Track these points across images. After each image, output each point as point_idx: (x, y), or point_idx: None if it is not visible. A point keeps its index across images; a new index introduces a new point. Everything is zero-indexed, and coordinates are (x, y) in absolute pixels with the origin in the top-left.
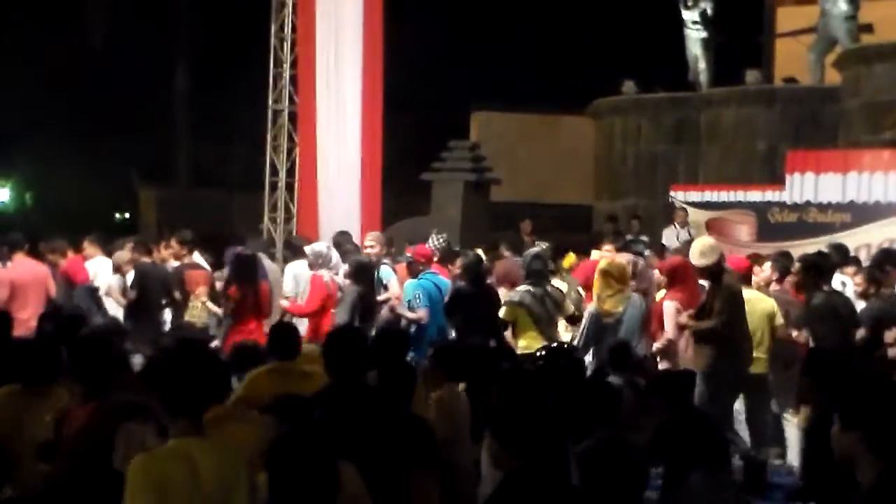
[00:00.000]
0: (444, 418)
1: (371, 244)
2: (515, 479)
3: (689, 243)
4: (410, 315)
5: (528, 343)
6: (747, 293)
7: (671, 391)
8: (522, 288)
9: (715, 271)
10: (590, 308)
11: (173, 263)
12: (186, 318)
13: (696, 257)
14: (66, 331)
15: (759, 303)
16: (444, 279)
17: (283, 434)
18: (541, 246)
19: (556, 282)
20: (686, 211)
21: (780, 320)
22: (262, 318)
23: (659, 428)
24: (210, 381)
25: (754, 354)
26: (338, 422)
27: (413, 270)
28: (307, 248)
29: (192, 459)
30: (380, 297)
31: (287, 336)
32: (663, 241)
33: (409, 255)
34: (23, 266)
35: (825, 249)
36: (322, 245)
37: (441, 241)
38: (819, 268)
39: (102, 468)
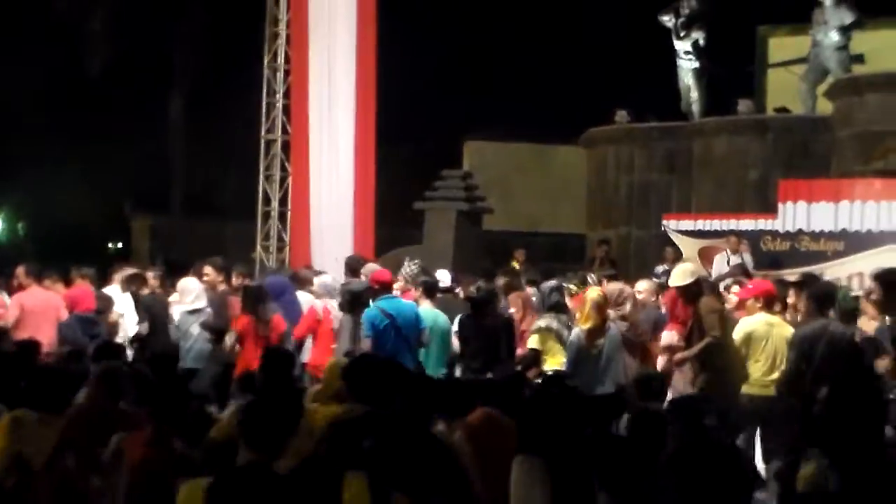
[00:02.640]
0: None
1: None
2: None
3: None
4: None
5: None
6: (767, 318)
7: (685, 415)
8: (547, 315)
9: (693, 292)
10: (573, 337)
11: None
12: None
13: (675, 280)
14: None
15: (779, 328)
16: (405, 303)
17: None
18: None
19: None
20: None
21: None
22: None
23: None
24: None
25: (772, 377)
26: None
27: (368, 296)
28: (316, 280)
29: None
30: None
31: (278, 361)
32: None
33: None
34: (36, 294)
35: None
36: (329, 277)
37: (413, 267)
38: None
39: None
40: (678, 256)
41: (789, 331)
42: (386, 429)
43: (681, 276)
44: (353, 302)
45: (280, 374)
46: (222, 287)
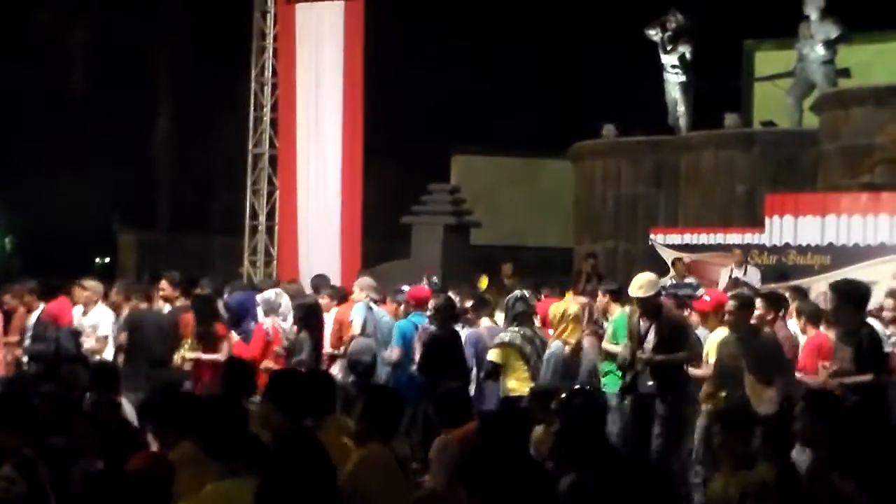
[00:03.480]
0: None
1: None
2: None
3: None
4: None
5: (516, 385)
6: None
7: None
8: (511, 329)
9: (654, 304)
10: (555, 348)
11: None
12: (176, 360)
13: (635, 290)
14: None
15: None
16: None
17: None
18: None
19: None
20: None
21: None
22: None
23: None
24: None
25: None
26: None
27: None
28: (259, 297)
29: (231, 501)
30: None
31: (238, 372)
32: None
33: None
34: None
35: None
36: (272, 293)
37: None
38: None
39: None
40: (687, 268)
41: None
42: None
43: (644, 287)
44: (311, 317)
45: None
46: (179, 302)
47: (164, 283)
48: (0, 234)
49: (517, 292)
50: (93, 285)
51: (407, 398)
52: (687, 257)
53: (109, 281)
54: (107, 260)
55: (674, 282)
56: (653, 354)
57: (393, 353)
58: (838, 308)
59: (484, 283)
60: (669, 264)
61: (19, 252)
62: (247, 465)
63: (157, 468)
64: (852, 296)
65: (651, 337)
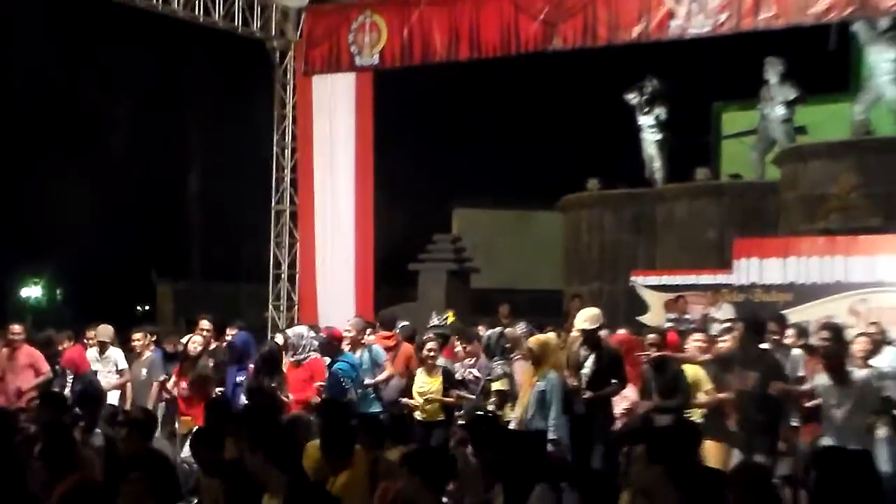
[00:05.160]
0: None
1: (349, 330)
2: None
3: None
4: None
5: (520, 412)
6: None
7: None
8: (502, 363)
9: (595, 336)
10: (557, 381)
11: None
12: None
13: (580, 323)
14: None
15: (689, 369)
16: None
17: None
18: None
19: None
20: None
21: (707, 385)
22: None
23: None
24: None
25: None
26: None
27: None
28: (289, 331)
29: None
30: (379, 378)
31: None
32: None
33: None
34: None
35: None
36: (303, 328)
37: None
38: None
39: None
40: (685, 306)
41: (695, 370)
42: None
43: (589, 320)
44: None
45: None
46: (213, 345)
47: (205, 324)
48: (52, 285)
49: (497, 329)
50: (103, 329)
51: None
52: (663, 296)
53: (152, 326)
54: (146, 307)
55: (675, 316)
56: (586, 389)
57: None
58: (745, 337)
59: (451, 318)
60: (661, 303)
61: (69, 302)
62: None
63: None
64: (755, 326)
65: (590, 363)
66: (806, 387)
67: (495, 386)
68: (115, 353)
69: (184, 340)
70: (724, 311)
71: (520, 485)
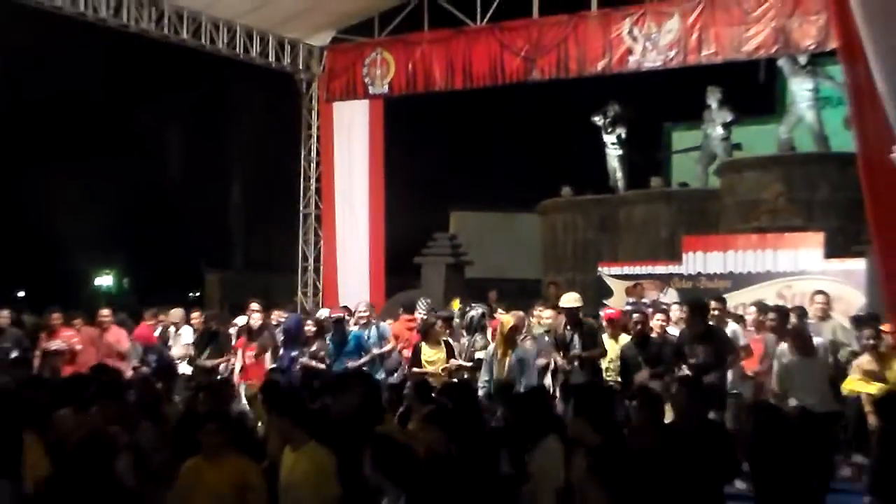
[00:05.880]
0: None
1: (363, 310)
2: None
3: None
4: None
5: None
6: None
7: None
8: (481, 336)
9: (576, 314)
10: (530, 348)
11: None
12: None
13: (564, 302)
14: None
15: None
16: None
17: None
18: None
19: None
20: (642, 286)
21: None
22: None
23: None
24: None
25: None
26: None
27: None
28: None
29: None
30: (385, 349)
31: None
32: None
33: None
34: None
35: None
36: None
37: (424, 304)
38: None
39: None
40: (643, 291)
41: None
42: None
43: (570, 301)
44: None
45: None
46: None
47: (254, 305)
48: (120, 276)
49: (479, 310)
50: (175, 312)
51: None
52: (624, 283)
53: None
54: (197, 294)
55: (633, 300)
56: (580, 352)
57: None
58: (692, 317)
59: (455, 305)
60: (623, 289)
61: (135, 289)
62: None
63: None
64: (700, 308)
65: (576, 340)
66: (765, 365)
67: (478, 355)
68: (185, 331)
69: (237, 321)
70: (670, 296)
71: (529, 437)
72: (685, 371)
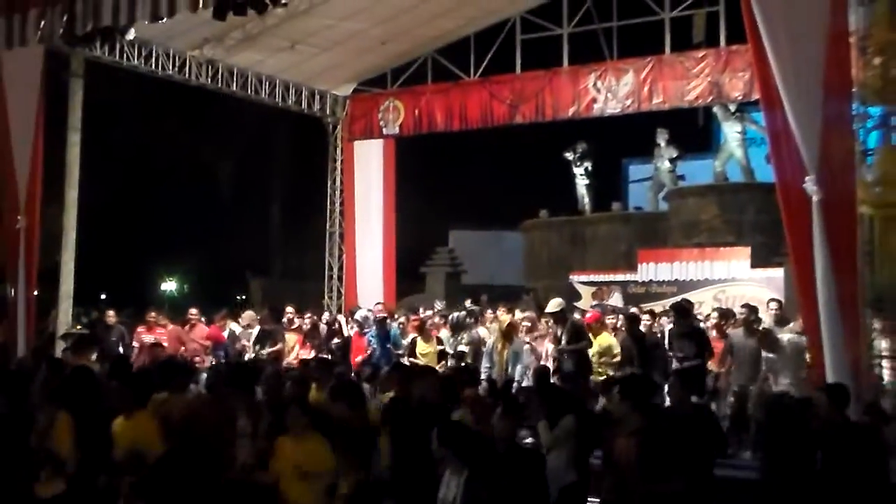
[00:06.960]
0: None
1: (380, 308)
2: None
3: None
4: None
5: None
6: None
7: None
8: (466, 333)
9: (562, 315)
10: (523, 343)
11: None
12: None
13: (550, 308)
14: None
15: (604, 339)
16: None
17: None
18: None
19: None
20: (603, 290)
21: (616, 350)
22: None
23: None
24: None
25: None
26: None
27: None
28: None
29: None
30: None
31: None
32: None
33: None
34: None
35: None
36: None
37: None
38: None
39: None
40: (608, 293)
41: (610, 341)
42: None
43: (554, 306)
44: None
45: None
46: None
47: (291, 310)
48: (181, 281)
49: (463, 312)
50: (248, 314)
51: None
52: (591, 288)
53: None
54: (242, 297)
55: (597, 302)
56: (566, 346)
57: None
58: (678, 318)
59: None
60: (590, 294)
61: (192, 293)
62: None
63: None
64: (685, 310)
65: (564, 336)
66: (726, 364)
67: (461, 348)
68: (256, 331)
69: (286, 321)
70: (616, 299)
71: (554, 415)
72: (675, 364)
